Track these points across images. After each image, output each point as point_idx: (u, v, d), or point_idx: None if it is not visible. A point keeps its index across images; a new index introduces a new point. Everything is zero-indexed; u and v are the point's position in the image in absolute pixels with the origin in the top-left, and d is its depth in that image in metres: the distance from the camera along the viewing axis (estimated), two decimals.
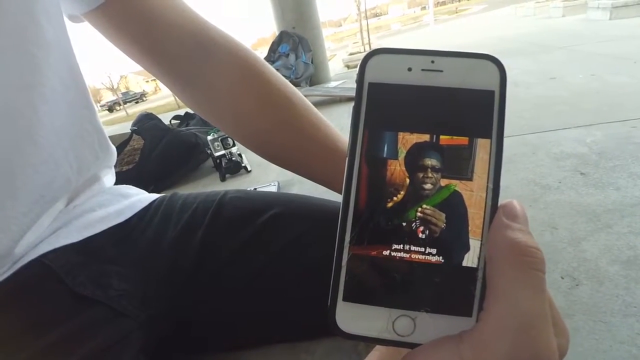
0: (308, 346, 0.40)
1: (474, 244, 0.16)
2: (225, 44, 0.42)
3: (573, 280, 0.95)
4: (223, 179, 1.22)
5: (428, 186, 0.16)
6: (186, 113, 1.58)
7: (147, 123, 1.21)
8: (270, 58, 3.70)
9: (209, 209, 0.43)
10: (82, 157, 0.39)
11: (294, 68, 3.49)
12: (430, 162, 0.16)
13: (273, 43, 3.88)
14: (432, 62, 0.17)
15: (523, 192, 1.39)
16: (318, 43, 4.07)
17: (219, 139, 1.17)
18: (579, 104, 2.23)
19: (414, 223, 0.16)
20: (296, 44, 3.71)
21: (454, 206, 0.16)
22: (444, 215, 0.16)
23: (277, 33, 3.95)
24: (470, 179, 0.16)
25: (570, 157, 1.61)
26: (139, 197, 0.46)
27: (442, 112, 0.17)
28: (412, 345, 0.15)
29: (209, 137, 1.18)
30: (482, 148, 0.16)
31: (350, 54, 6.57)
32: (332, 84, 3.79)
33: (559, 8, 8.75)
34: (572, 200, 1.29)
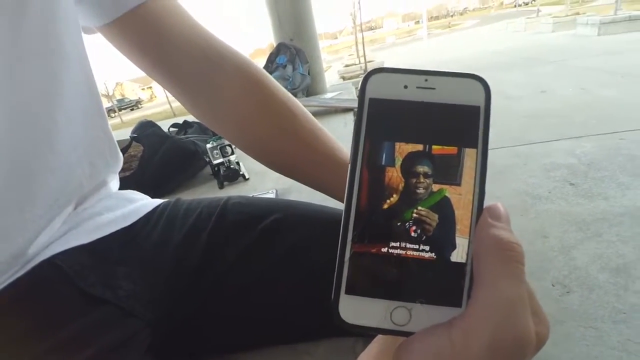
0: (308, 347, 0.41)
1: (463, 241, 0.18)
2: (232, 57, 0.44)
3: (564, 287, 0.97)
4: (221, 187, 1.23)
5: (421, 190, 0.18)
6: (184, 121, 1.59)
7: (146, 130, 1.23)
8: (268, 69, 3.73)
9: (213, 213, 0.45)
10: (94, 163, 0.41)
11: (291, 79, 3.53)
12: (423, 169, 0.19)
13: (271, 54, 3.93)
14: (426, 80, 0.19)
15: (514, 202, 1.42)
16: (315, 55, 4.12)
17: (218, 147, 1.19)
18: (569, 117, 2.29)
19: (409, 223, 0.18)
20: (293, 55, 3.76)
21: (445, 208, 0.18)
22: (436, 216, 0.18)
23: (274, 44, 4.01)
24: (459, 184, 0.18)
25: (560, 168, 1.65)
26: (143, 202, 0.48)
27: (434, 124, 0.19)
28: (408, 334, 0.17)
29: (208, 145, 1.20)
30: (469, 157, 0.18)
31: (346, 66, 6.66)
32: (328, 95, 3.83)
33: (549, 24, 9.01)
34: (562, 209, 1.32)
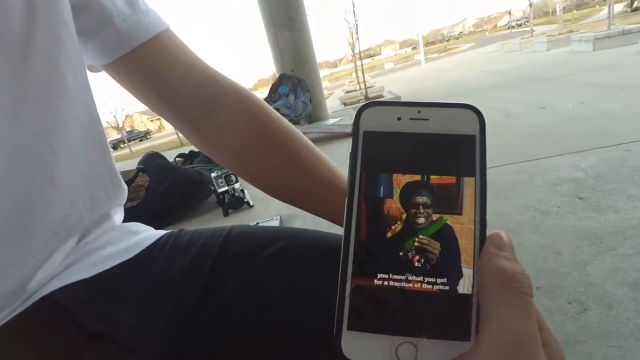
0: None
1: (467, 272, 0.17)
2: (233, 90, 0.45)
3: (581, 305, 0.94)
4: (226, 214, 1.24)
5: (421, 220, 0.18)
6: (190, 151, 1.63)
7: (153, 161, 1.26)
8: (271, 98, 3.86)
9: (215, 243, 0.45)
10: (96, 197, 0.41)
11: (293, 107, 3.63)
12: (422, 199, 0.18)
13: (273, 84, 4.08)
14: (419, 112, 0.19)
15: (523, 218, 1.40)
16: (316, 83, 4.27)
17: (223, 175, 1.21)
18: (571, 131, 2.29)
19: (411, 252, 0.18)
20: (295, 85, 3.89)
21: (447, 236, 0.18)
22: (438, 244, 0.18)
23: (276, 75, 4.15)
24: (460, 213, 0.18)
25: (566, 182, 1.63)
26: (147, 234, 0.47)
27: (430, 154, 0.19)
28: None
29: (213, 174, 1.22)
30: (468, 185, 0.18)
31: (347, 92, 6.83)
32: (330, 121, 3.92)
33: (543, 42, 9.22)
34: (572, 224, 1.30)
